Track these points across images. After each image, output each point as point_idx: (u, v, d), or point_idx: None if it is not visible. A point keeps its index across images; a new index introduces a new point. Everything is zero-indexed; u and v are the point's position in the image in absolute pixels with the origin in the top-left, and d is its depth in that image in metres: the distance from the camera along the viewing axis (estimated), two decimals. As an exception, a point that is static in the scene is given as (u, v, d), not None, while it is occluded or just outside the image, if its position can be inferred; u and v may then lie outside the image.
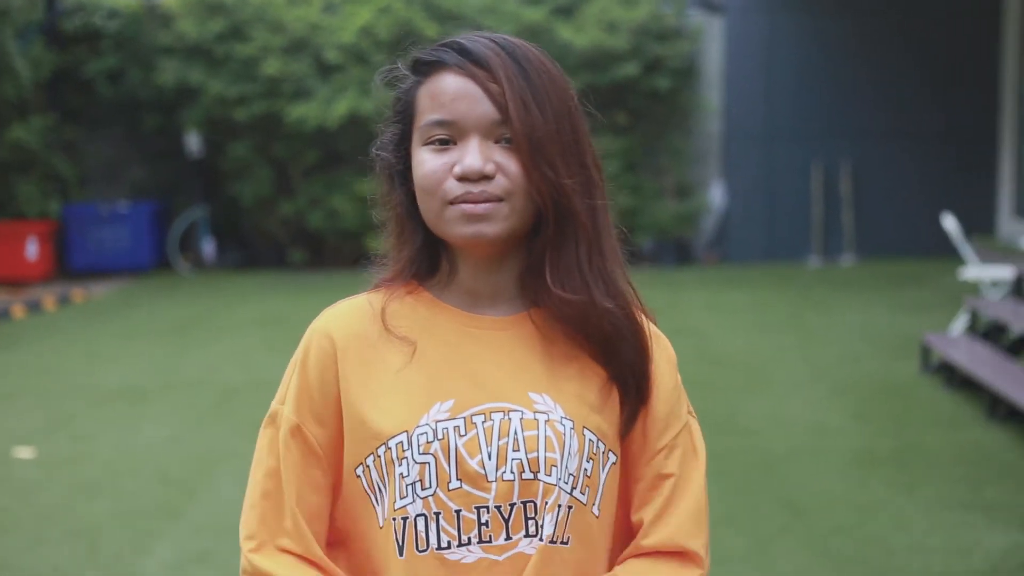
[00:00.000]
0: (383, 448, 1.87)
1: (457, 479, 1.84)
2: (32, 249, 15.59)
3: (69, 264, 16.65)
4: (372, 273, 2.04)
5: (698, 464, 1.98)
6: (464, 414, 1.86)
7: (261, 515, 1.93)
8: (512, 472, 1.83)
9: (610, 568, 1.94)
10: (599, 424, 1.89)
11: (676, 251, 16.88)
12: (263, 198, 17.09)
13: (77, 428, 8.55)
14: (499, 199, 1.82)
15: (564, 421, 1.85)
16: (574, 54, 15.72)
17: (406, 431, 1.85)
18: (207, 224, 17.43)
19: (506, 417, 1.85)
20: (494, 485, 1.83)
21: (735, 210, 17.15)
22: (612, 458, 1.91)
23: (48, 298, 14.26)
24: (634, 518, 1.95)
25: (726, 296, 14.00)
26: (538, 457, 1.83)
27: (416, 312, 1.94)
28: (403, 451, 1.85)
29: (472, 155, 1.82)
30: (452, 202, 1.83)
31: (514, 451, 1.83)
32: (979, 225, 16.55)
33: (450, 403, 1.87)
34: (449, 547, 1.84)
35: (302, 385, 1.94)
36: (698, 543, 1.93)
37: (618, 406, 1.92)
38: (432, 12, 16.38)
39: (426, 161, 1.86)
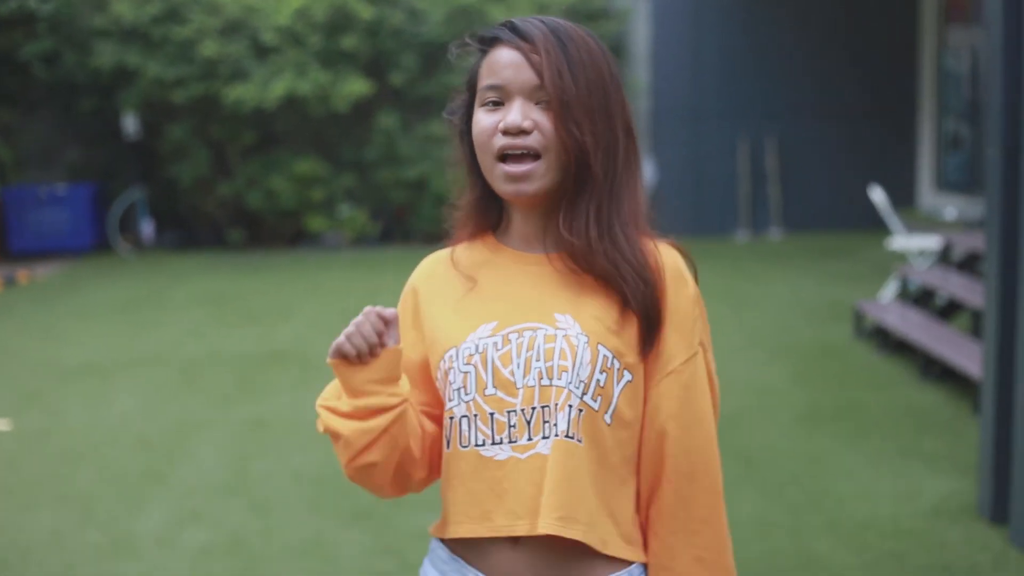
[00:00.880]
0: (442, 361, 2.28)
1: (492, 386, 2.20)
2: (-29, 232, 15.69)
3: (8, 247, 16.78)
4: (450, 223, 2.44)
5: (706, 394, 2.31)
6: (503, 332, 2.24)
7: None
8: (534, 379, 2.18)
9: (634, 478, 2.28)
10: (616, 345, 2.21)
11: (607, 226, 17.19)
12: (201, 179, 17.30)
13: (48, 403, 8.79)
14: (536, 155, 2.20)
15: (580, 336, 2.19)
16: (507, 35, 15.99)
17: (455, 346, 2.25)
18: (145, 205, 17.58)
19: (534, 334, 2.21)
20: (521, 391, 2.19)
21: (664, 186, 17.52)
22: (628, 376, 2.22)
23: (-7, 280, 14.42)
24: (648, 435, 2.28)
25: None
26: (553, 366, 2.18)
27: (481, 254, 2.35)
28: (452, 362, 2.24)
29: (514, 113, 2.20)
30: (498, 158, 2.22)
31: (536, 361, 2.19)
32: (901, 199, 17.07)
33: (493, 324, 2.25)
34: (484, 445, 2.21)
35: (403, 326, 2.36)
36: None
37: (636, 332, 2.25)
38: (366, -6, 16.70)
39: (481, 120, 2.25)
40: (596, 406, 2.19)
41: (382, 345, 2.21)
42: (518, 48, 2.22)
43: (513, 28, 2.26)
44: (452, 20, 16.54)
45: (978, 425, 6.35)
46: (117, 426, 8.09)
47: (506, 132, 2.20)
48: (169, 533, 6.12)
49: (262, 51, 16.71)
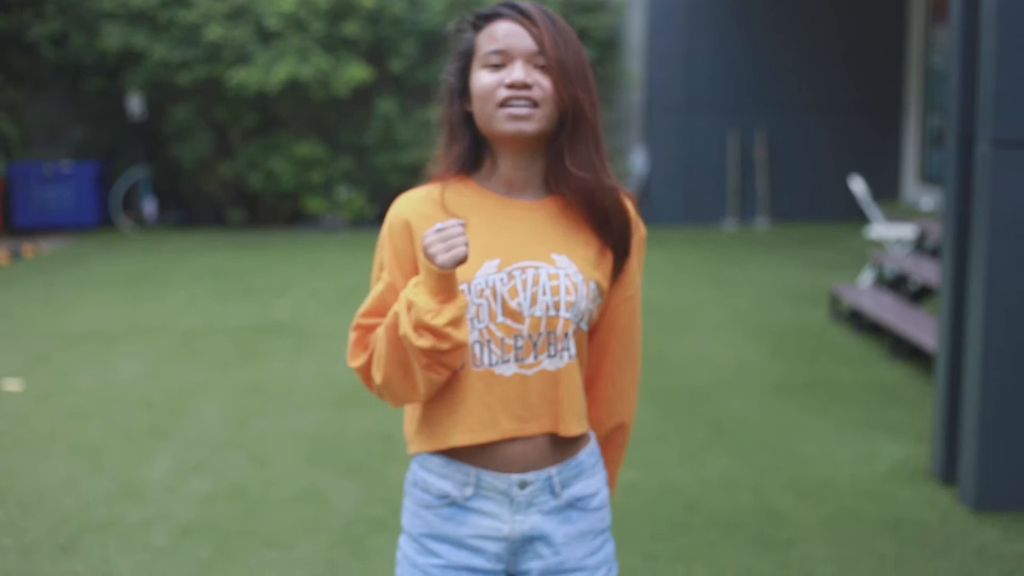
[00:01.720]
0: None
1: (503, 315, 2.63)
2: (-23, 207, 16.06)
3: (13, 222, 17.17)
4: (428, 168, 2.84)
5: (639, 311, 2.87)
6: (507, 269, 2.64)
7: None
8: (541, 310, 2.62)
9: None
10: (598, 278, 2.70)
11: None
12: (203, 159, 17.71)
13: (56, 366, 9.18)
14: (535, 104, 2.61)
15: (577, 275, 2.65)
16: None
17: (467, 281, 2.63)
18: (148, 184, 17.97)
19: (536, 271, 2.64)
20: (528, 319, 2.62)
21: (655, 175, 17.85)
22: (600, 299, 2.73)
23: (0, 252, 14.82)
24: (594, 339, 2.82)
25: (648, 255, 14.49)
26: (560, 300, 2.63)
27: (467, 197, 2.73)
28: (464, 295, 2.61)
29: (519, 71, 2.61)
30: (501, 105, 2.62)
31: (543, 295, 2.63)
32: (886, 191, 17.52)
33: (496, 261, 2.64)
34: (494, 364, 2.64)
35: (392, 254, 2.71)
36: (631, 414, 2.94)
37: (610, 264, 2.74)
38: (368, -18, 17.06)
39: (484, 77, 2.65)
40: (585, 328, 2.71)
41: None
42: (519, 22, 2.64)
43: (513, 7, 2.67)
44: (452, 9, 16.91)
45: (935, 395, 6.76)
46: (122, 387, 8.49)
47: (511, 86, 2.60)
48: (174, 481, 6.51)
49: (266, 36, 17.06)
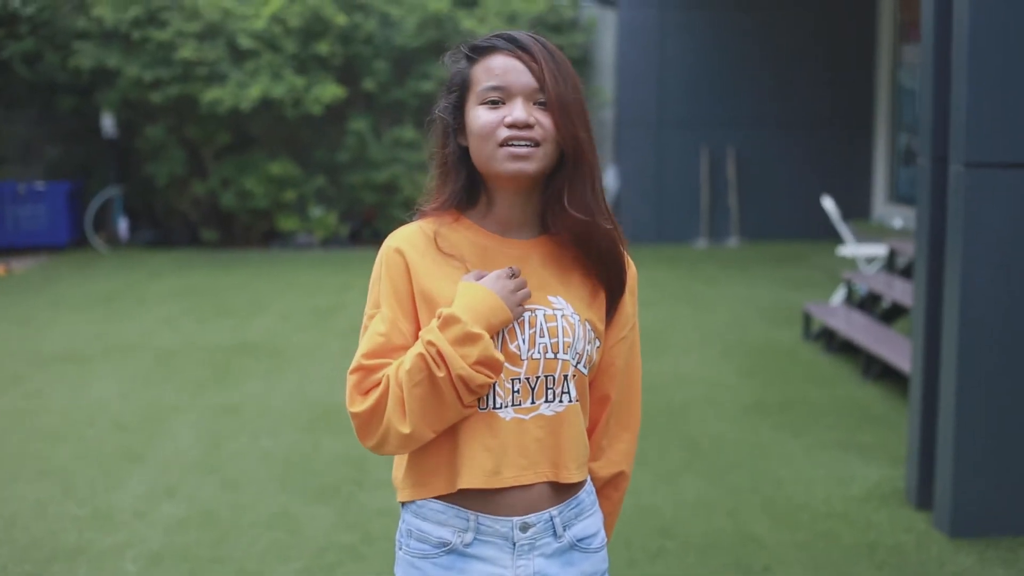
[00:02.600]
0: None
1: None
2: (-50, 225, 15.98)
3: (-15, 241, 17.09)
4: (420, 204, 2.76)
5: (638, 351, 2.85)
6: None
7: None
8: (539, 352, 2.57)
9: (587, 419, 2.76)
10: (593, 318, 2.66)
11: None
12: (176, 178, 17.66)
13: (27, 386, 9.12)
14: (536, 144, 2.56)
15: (574, 316, 2.61)
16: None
17: None
18: (121, 203, 17.93)
19: (533, 314, 2.59)
20: (525, 362, 2.57)
21: (627, 194, 17.86)
22: (597, 342, 2.69)
23: (-30, 272, 14.72)
24: (597, 391, 2.78)
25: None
26: (558, 341, 2.58)
27: (462, 235, 2.66)
28: None
29: (519, 110, 2.55)
30: (502, 144, 2.56)
31: (540, 337, 2.58)
32: (856, 210, 17.57)
33: None
34: (498, 407, 2.56)
35: (391, 289, 2.63)
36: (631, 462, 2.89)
37: (603, 305, 2.71)
38: (340, 1, 17.06)
39: (482, 115, 2.58)
40: (587, 372, 2.65)
41: None
42: (517, 56, 2.58)
43: (510, 39, 2.61)
44: (424, 28, 16.95)
45: (909, 417, 6.77)
46: (95, 409, 8.44)
47: (512, 126, 2.54)
48: (145, 506, 6.47)
49: (239, 55, 17.04)
